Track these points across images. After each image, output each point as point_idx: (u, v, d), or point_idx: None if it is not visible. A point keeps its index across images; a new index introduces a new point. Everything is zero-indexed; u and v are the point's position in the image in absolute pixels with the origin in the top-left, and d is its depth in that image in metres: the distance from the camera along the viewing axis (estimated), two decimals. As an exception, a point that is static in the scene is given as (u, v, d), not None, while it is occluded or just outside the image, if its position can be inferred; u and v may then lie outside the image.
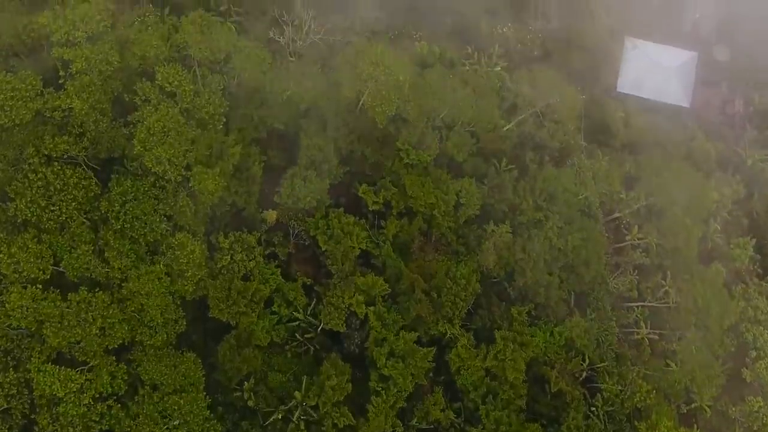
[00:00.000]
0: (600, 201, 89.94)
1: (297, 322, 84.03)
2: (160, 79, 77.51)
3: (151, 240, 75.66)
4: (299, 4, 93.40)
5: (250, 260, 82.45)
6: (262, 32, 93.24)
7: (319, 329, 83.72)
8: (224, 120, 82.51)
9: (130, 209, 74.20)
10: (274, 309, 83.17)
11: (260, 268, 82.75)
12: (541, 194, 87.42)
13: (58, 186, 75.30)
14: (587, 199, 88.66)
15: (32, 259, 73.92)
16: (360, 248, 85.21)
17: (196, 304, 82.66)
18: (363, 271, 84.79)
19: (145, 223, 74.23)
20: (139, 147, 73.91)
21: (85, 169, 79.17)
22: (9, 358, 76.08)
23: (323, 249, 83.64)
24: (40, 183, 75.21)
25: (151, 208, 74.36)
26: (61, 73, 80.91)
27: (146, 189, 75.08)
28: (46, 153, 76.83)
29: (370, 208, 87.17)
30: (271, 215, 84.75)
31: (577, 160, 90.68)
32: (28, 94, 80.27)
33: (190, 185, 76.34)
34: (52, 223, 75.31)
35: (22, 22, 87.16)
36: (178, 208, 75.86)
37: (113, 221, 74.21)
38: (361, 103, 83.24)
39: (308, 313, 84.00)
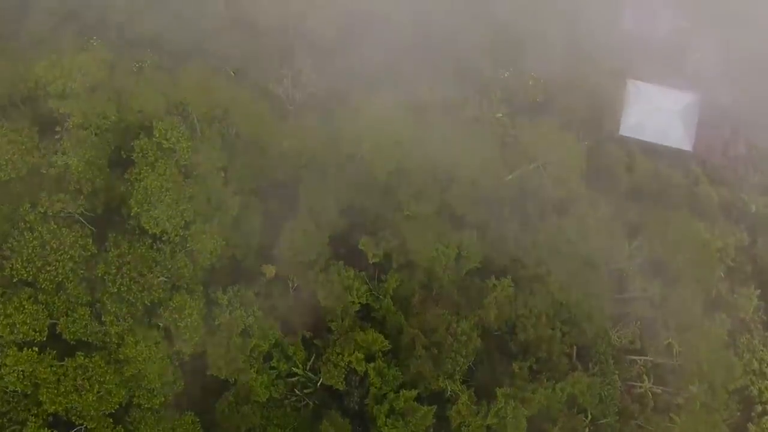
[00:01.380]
0: (603, 251, 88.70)
1: (296, 377, 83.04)
2: (157, 135, 76.56)
3: (149, 302, 74.58)
4: (298, 53, 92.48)
5: (249, 316, 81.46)
6: (260, 76, 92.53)
7: (319, 384, 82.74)
8: (223, 174, 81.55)
9: (128, 272, 73.16)
10: (273, 364, 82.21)
11: (259, 323, 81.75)
12: (544, 246, 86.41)
13: (54, 245, 74.27)
14: (590, 250, 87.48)
15: (28, 320, 73.00)
16: (360, 303, 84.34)
17: (194, 359, 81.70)
18: (363, 325, 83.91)
19: (143, 287, 73.08)
20: (136, 208, 73.04)
21: (84, 224, 78.21)
22: (6, 420, 75.06)
23: (323, 305, 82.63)
24: (36, 242, 74.17)
25: (148, 270, 73.15)
26: (58, 128, 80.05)
27: (144, 251, 73.98)
28: (42, 211, 75.79)
29: (371, 261, 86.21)
30: (270, 270, 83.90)
31: (580, 210, 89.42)
32: (24, 146, 79.73)
33: (188, 246, 75.26)
34: (48, 283, 74.29)
35: (18, 70, 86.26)
36: (176, 270, 74.81)
37: (110, 284, 73.13)
38: (360, 156, 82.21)
39: (308, 368, 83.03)
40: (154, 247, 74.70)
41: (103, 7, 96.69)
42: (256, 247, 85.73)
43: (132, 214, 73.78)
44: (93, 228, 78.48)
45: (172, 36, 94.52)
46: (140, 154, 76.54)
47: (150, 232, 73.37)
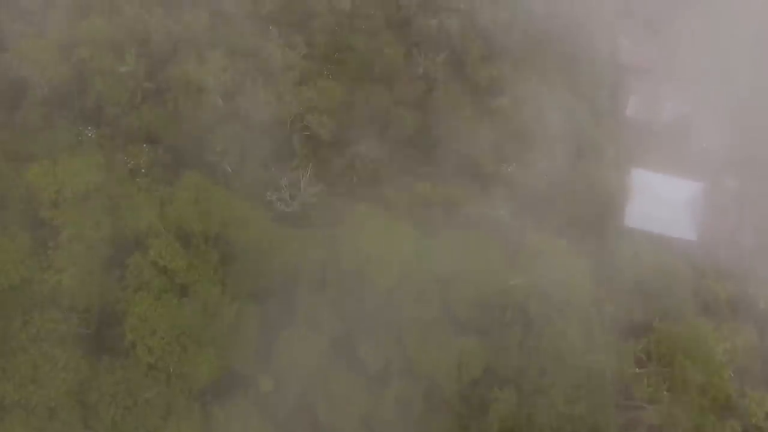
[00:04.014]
0: (609, 357, 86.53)
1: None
2: (152, 255, 74.77)
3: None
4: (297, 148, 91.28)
5: (247, 430, 79.35)
6: (259, 178, 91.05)
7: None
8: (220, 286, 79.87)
9: (122, 400, 71.22)
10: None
11: (258, 438, 79.82)
12: (547, 353, 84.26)
13: (47, 369, 72.38)
14: (595, 356, 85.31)
15: (20, 447, 71.06)
16: (360, 412, 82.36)
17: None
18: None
19: (137, 417, 71.13)
20: (130, 335, 71.19)
21: (78, 341, 76.30)
22: None
23: (322, 419, 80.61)
24: (28, 364, 72.30)
25: (144, 400, 71.21)
26: (50, 244, 78.37)
27: (138, 379, 72.06)
28: (34, 331, 73.99)
29: (371, 369, 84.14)
30: (267, 383, 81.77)
31: (586, 313, 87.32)
32: (17, 255, 78.04)
33: (184, 370, 73.37)
34: (40, 407, 72.27)
35: (10, 175, 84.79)
36: (172, 396, 72.85)
37: (103, 413, 71.16)
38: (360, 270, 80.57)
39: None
40: (149, 375, 72.64)
41: (97, 98, 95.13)
42: (253, 357, 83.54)
43: (127, 340, 71.75)
44: (87, 345, 76.42)
45: (168, 129, 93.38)
46: (134, 273, 74.57)
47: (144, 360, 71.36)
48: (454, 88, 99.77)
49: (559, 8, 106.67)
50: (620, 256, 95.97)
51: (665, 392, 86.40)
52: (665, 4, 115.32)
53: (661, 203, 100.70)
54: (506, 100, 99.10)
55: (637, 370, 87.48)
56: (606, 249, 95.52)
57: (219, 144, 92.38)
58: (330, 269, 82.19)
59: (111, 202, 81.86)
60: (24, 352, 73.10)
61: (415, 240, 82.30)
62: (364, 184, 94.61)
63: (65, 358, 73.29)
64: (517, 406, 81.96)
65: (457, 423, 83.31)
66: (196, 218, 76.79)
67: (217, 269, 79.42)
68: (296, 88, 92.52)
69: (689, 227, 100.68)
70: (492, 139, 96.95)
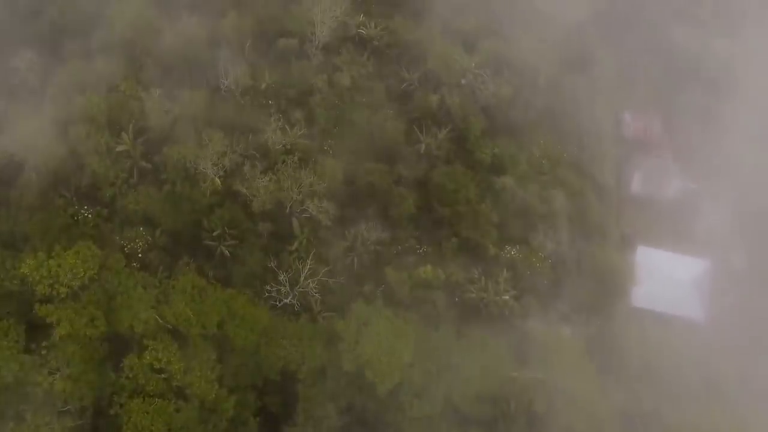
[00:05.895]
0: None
1: None
2: (148, 357, 72.75)
3: None
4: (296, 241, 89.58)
5: None
6: (257, 263, 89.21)
7: None
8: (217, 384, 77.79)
9: None
10: None
11: None
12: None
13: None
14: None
15: None
16: None
17: None
18: None
19: None
20: (127, 442, 69.15)
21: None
22: None
23: None
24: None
25: None
26: (44, 344, 76.55)
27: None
28: (27, 432, 72.17)
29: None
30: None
31: (593, 406, 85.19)
32: (11, 351, 76.35)
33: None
34: None
35: (5, 264, 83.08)
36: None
37: None
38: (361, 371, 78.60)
39: None
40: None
41: (93, 177, 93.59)
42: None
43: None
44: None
45: (165, 211, 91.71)
46: (130, 376, 72.56)
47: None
48: (457, 165, 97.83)
49: (562, 82, 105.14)
50: (627, 339, 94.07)
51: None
52: (668, 77, 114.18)
53: (667, 282, 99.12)
54: (509, 178, 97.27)
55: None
56: (612, 332, 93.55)
57: (217, 227, 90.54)
58: (330, 366, 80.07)
59: (106, 296, 79.99)
60: (16, 463, 70.97)
61: (417, 335, 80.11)
62: (365, 266, 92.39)
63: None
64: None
65: None
66: (193, 319, 74.45)
67: (215, 367, 77.22)
68: (296, 172, 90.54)
69: (696, 306, 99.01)
70: (495, 219, 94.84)
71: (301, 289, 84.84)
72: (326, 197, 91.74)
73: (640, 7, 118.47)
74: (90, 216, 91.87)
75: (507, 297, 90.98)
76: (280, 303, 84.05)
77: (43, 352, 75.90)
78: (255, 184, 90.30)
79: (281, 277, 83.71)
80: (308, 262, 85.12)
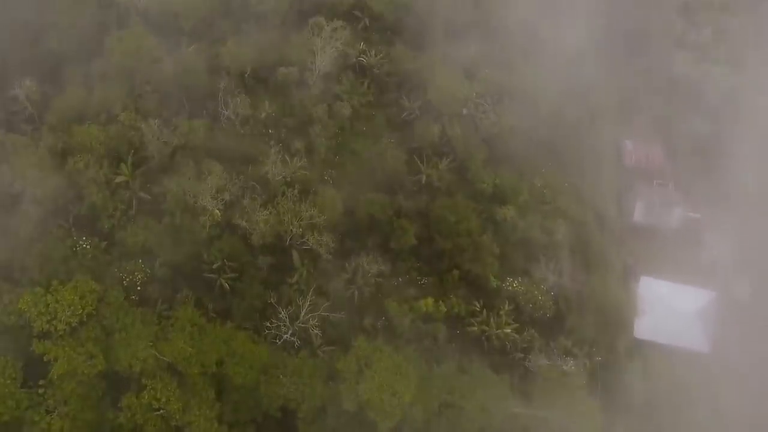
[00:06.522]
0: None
1: None
2: (147, 397, 71.83)
3: None
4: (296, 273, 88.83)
5: None
6: (257, 296, 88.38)
7: None
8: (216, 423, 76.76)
9: None
10: None
11: None
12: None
13: None
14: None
15: None
16: None
17: None
18: None
19: None
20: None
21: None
22: None
23: None
24: None
25: None
26: (42, 381, 75.65)
27: None
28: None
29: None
30: None
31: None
32: (7, 388, 75.59)
33: None
34: None
35: (2, 301, 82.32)
36: None
37: None
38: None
39: None
40: None
41: (92, 208, 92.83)
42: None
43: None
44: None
45: (164, 244, 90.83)
46: (128, 415, 71.57)
47: None
48: (458, 197, 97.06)
49: (563, 111, 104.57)
50: (630, 372, 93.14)
51: None
52: (670, 105, 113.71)
53: (672, 313, 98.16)
54: (511, 208, 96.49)
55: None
56: (615, 365, 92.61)
57: (216, 259, 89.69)
58: (331, 403, 79.10)
59: (104, 332, 79.19)
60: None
61: (419, 372, 79.19)
62: (365, 298, 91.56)
63: None
64: None
65: None
66: (193, 358, 73.50)
67: (214, 404, 76.20)
68: (296, 205, 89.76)
69: (701, 338, 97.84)
70: (496, 250, 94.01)
71: (301, 324, 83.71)
72: (326, 229, 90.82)
73: (640, 35, 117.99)
74: (88, 247, 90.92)
75: (509, 330, 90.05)
76: (280, 341, 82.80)
77: (41, 390, 74.78)
78: (255, 218, 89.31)
79: (281, 314, 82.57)
80: (308, 297, 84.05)
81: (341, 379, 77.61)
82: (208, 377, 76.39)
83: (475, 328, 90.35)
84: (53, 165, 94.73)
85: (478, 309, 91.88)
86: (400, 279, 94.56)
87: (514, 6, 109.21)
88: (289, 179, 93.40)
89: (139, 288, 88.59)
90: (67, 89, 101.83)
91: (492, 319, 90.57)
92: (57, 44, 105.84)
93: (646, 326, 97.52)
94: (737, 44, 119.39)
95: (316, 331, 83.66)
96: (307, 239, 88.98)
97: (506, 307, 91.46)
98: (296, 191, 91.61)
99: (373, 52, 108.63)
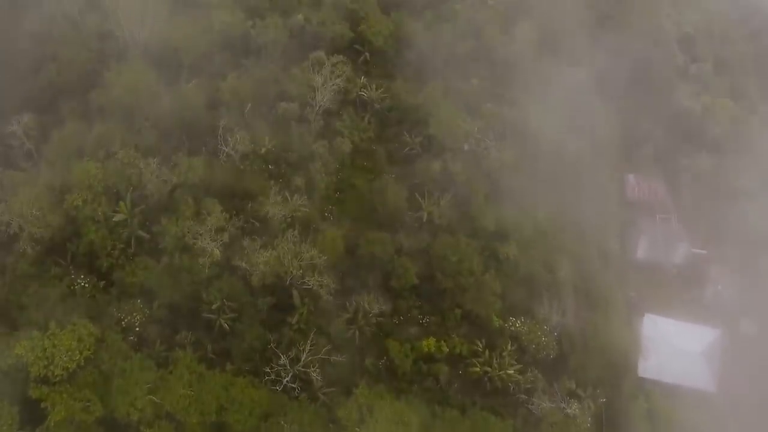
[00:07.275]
0: None
1: None
2: (145, 448, 70.67)
3: None
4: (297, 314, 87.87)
5: None
6: (257, 337, 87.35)
7: None
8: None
9: None
10: None
11: None
12: None
13: None
14: None
15: None
16: None
17: None
18: None
19: None
20: None
21: None
22: None
23: None
24: None
25: None
26: (39, 428, 74.46)
27: None
28: None
29: None
30: None
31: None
32: None
33: None
34: None
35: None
36: None
37: None
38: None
39: None
40: None
41: (90, 246, 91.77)
42: None
43: None
44: None
45: (163, 283, 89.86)
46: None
47: None
48: (459, 234, 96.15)
49: (565, 145, 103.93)
50: (635, 413, 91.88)
51: None
52: (672, 138, 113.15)
53: (676, 352, 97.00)
54: (513, 246, 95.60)
55: None
56: (620, 406, 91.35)
57: (216, 300, 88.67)
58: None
59: (102, 377, 78.05)
60: None
61: (421, 417, 78.11)
62: (366, 338, 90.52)
63: None
64: None
65: None
66: (191, 407, 72.35)
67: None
68: (296, 246, 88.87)
69: (707, 377, 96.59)
70: (498, 289, 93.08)
71: (301, 368, 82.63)
72: (327, 269, 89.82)
73: (642, 67, 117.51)
74: (86, 286, 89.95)
75: (511, 372, 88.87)
76: (280, 387, 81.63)
77: (39, 438, 73.54)
78: (254, 259, 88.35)
79: (282, 360, 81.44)
80: (309, 341, 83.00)
81: (342, 426, 76.31)
82: (207, 426, 75.10)
83: (478, 369, 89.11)
84: (51, 202, 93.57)
85: (480, 349, 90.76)
86: (401, 317, 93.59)
87: (516, 40, 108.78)
88: (289, 219, 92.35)
89: (137, 329, 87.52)
90: (66, 123, 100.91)
91: (495, 360, 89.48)
92: (56, 75, 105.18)
93: (651, 365, 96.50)
94: (738, 75, 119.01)
95: (317, 375, 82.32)
96: (308, 279, 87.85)
97: (509, 347, 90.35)
98: (296, 231, 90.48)
99: (373, 87, 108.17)
